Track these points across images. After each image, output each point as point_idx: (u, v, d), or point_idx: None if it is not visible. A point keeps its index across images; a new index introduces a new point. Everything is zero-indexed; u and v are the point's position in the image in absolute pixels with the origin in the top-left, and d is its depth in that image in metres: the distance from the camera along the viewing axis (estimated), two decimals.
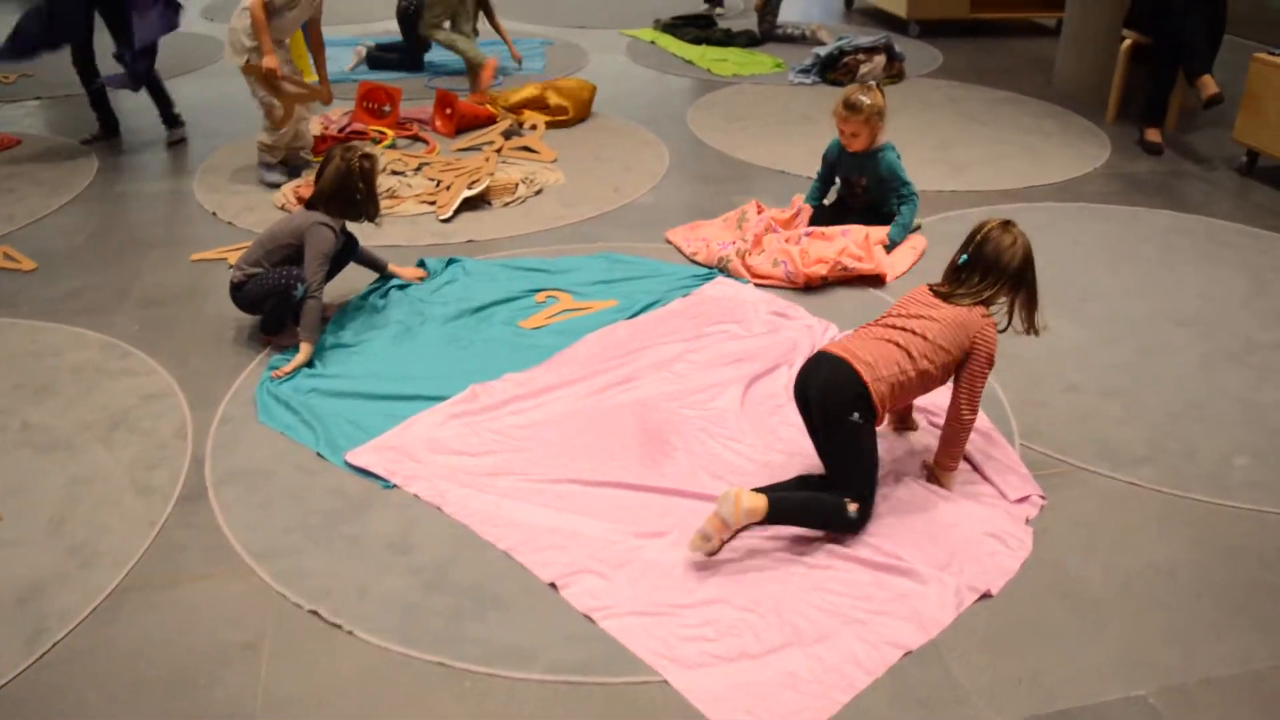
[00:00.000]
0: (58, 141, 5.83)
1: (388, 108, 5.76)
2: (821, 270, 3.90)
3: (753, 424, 3.07)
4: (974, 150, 5.57)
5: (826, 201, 4.54)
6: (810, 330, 3.57)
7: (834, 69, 6.79)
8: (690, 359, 3.38)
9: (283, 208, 4.70)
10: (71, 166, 5.42)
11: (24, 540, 2.68)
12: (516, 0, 9.57)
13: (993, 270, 2.66)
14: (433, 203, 4.71)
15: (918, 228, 4.45)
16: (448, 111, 5.72)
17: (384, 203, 4.70)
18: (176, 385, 3.37)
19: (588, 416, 3.08)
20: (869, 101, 4.17)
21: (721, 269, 4.02)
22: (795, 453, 2.94)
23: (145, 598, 2.49)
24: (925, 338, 2.61)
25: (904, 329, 2.65)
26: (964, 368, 2.67)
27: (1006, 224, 2.70)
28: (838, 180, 4.50)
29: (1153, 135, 5.68)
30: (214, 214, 4.72)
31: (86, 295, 4.01)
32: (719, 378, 3.26)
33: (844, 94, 4.24)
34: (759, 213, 4.31)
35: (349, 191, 3.58)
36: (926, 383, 2.65)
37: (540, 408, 3.12)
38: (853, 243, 4.03)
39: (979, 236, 2.69)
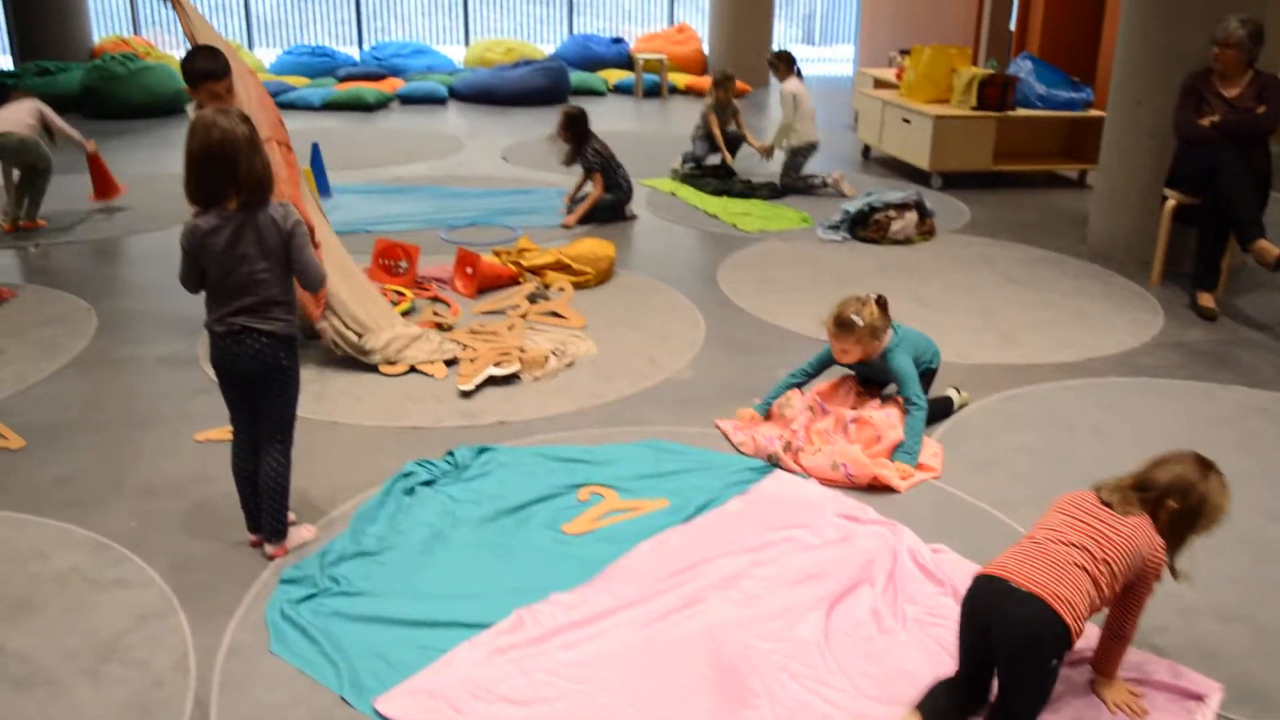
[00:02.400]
0: (56, 295, 5.53)
1: (404, 264, 5.49)
2: (889, 476, 3.55)
3: (840, 661, 2.67)
4: (1021, 316, 5.30)
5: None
6: (883, 537, 3.20)
7: (864, 226, 6.59)
8: (758, 574, 3.00)
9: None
10: (69, 324, 5.10)
11: None
12: (531, 149, 9.48)
13: (1175, 495, 2.46)
14: (453, 361, 4.47)
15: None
16: (468, 271, 5.45)
17: (406, 350, 4.42)
18: (177, 601, 2.96)
19: (651, 651, 2.68)
20: (863, 322, 3.80)
21: (773, 464, 3.67)
22: (893, 700, 2.54)
23: None
24: (1110, 563, 2.38)
25: (1088, 550, 2.39)
26: (1132, 587, 2.46)
27: (1203, 465, 2.50)
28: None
29: (1205, 300, 5.44)
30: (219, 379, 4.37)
31: (78, 482, 3.63)
32: (794, 599, 2.88)
33: (837, 308, 3.88)
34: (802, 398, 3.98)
35: (267, 159, 2.93)
36: (1103, 606, 2.46)
37: (595, 639, 2.72)
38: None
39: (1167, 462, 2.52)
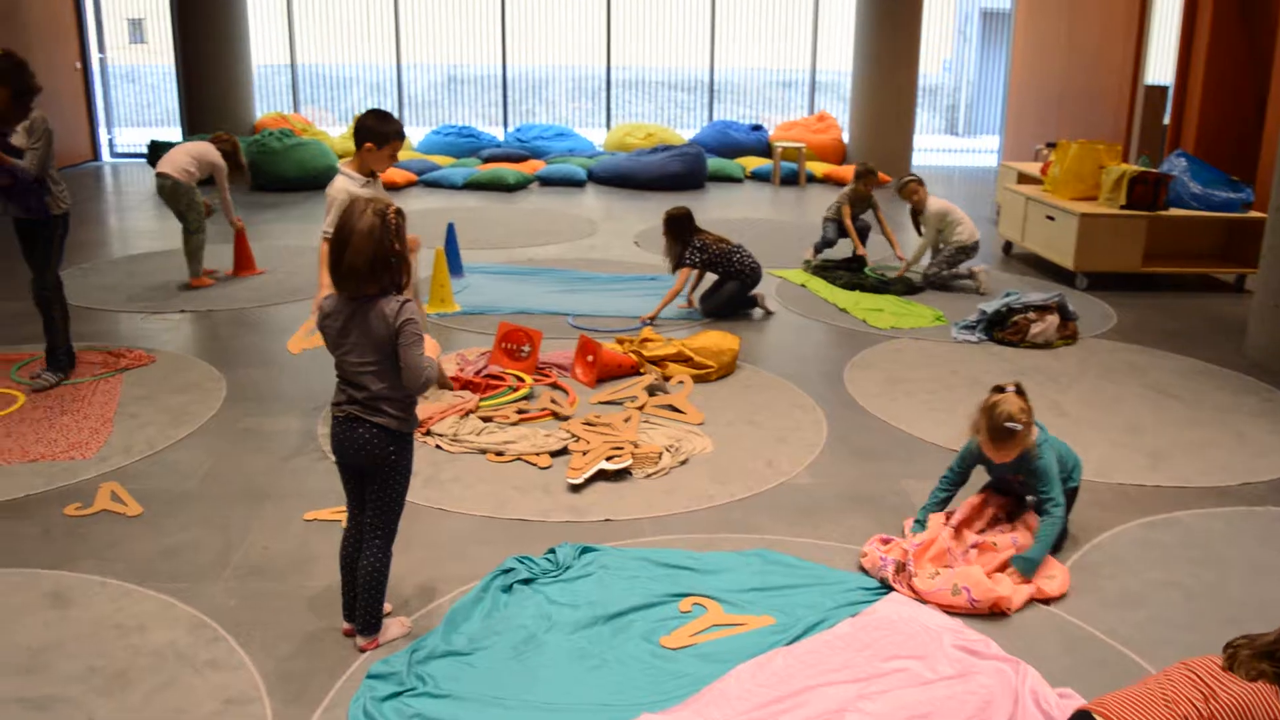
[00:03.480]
0: (192, 362, 5.70)
1: (526, 349, 5.48)
2: (1011, 596, 3.30)
3: None
4: (1170, 433, 4.94)
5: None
6: (1005, 675, 2.94)
7: (1002, 327, 6.31)
8: (865, 709, 2.78)
9: None
10: (200, 392, 5.24)
11: None
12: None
13: None
14: (562, 451, 4.40)
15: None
16: (589, 359, 5.40)
17: (510, 444, 4.38)
18: (264, 688, 2.92)
19: None
20: (1020, 427, 3.47)
21: (883, 584, 3.45)
22: None
23: None
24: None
25: (1194, 704, 2.23)
26: None
27: None
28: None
29: None
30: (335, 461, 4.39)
31: (186, 555, 3.66)
32: None
33: (987, 419, 3.51)
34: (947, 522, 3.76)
35: (389, 256, 2.87)
36: None
37: None
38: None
39: None
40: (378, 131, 4.55)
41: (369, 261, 2.84)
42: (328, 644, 3.14)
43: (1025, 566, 3.45)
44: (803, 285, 7.57)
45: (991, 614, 3.31)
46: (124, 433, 4.71)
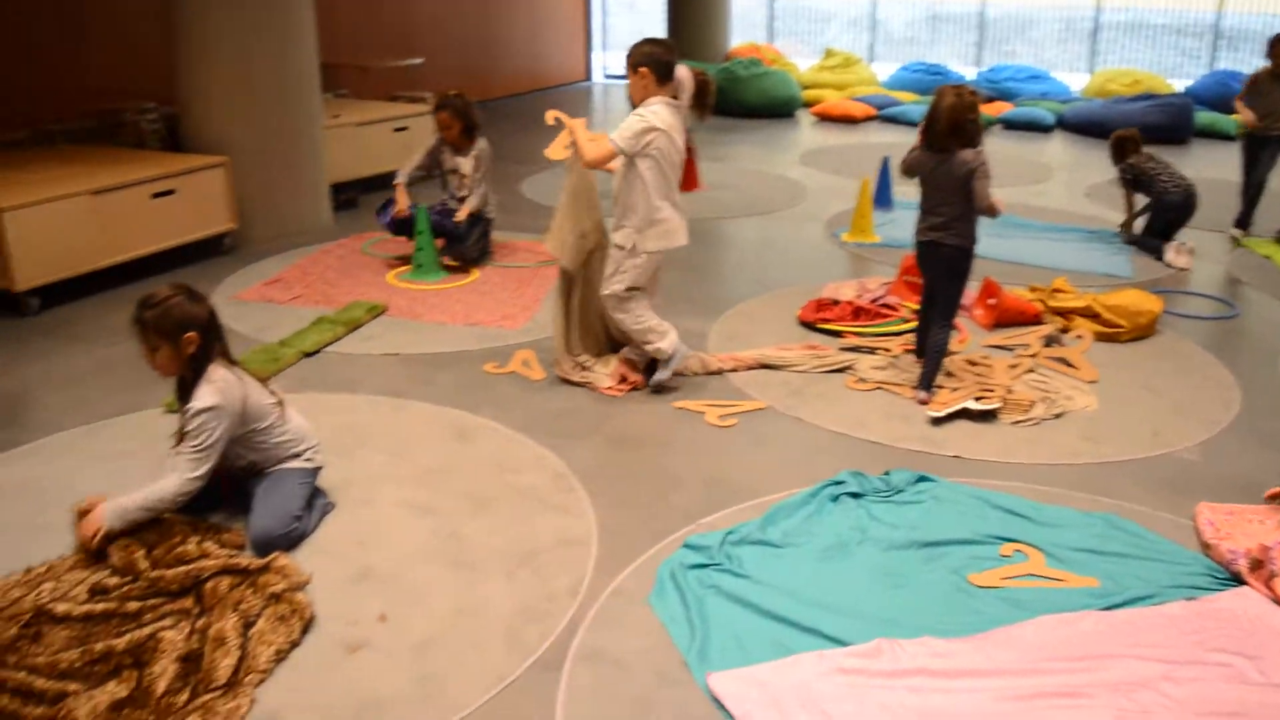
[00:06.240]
0: None
1: None
2: None
3: None
4: None
5: None
6: None
7: None
8: (1166, 691, 2.58)
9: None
10: None
11: (392, 651, 2.74)
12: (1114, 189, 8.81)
13: None
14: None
15: None
16: (990, 301, 5.25)
17: (877, 370, 4.51)
18: (596, 537, 3.28)
19: None
20: None
21: (1235, 578, 3.11)
22: None
23: None
24: None
25: None
26: None
27: None
28: None
29: None
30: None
31: (569, 418, 4.12)
32: None
33: None
34: None
35: (965, 123, 4.03)
36: None
37: (947, 694, 2.55)
38: None
39: None
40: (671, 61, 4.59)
41: (950, 125, 4.05)
42: (660, 512, 3.44)
43: None
44: (1266, 257, 6.71)
45: None
46: (547, 313, 5.31)
